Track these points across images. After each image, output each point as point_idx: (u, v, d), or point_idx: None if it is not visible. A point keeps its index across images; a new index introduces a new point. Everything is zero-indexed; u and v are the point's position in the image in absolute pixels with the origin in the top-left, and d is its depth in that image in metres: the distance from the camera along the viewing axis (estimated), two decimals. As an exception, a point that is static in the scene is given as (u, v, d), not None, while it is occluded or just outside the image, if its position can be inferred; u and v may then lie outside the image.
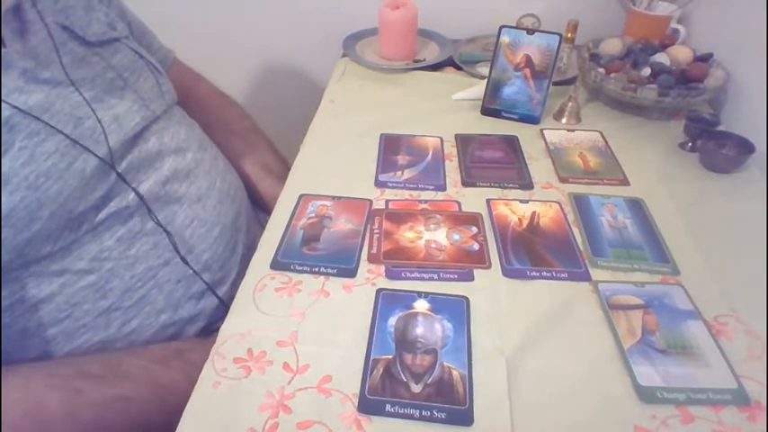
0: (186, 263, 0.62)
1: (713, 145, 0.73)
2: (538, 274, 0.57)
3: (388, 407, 0.45)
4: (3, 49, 0.52)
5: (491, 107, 0.86)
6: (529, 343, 0.51)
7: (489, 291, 0.56)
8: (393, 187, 0.70)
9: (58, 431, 0.49)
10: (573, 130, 0.82)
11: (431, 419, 0.44)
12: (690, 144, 0.78)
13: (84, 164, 0.54)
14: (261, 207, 0.83)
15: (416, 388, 0.46)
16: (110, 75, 0.62)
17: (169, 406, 0.51)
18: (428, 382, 0.47)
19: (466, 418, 0.45)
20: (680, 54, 0.85)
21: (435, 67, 0.99)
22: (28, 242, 0.51)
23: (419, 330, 0.51)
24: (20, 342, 0.55)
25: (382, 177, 0.72)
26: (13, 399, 0.48)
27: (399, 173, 0.73)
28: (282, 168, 0.85)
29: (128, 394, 0.53)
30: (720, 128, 0.77)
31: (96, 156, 0.55)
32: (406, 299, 0.55)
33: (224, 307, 0.64)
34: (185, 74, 0.86)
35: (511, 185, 0.71)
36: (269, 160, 0.86)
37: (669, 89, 0.79)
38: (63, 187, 0.52)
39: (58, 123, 0.53)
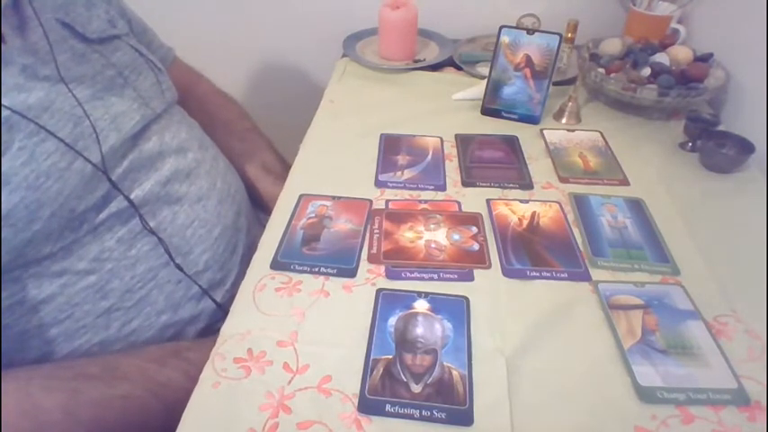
0: (180, 269, 0.62)
1: (713, 145, 0.73)
2: (538, 274, 0.57)
3: (388, 407, 0.45)
4: (3, 45, 0.52)
5: (491, 107, 0.86)
6: (529, 343, 0.51)
7: (489, 291, 0.56)
8: (393, 187, 0.70)
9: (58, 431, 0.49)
10: (573, 130, 0.82)
11: (431, 419, 0.44)
12: (690, 144, 0.78)
13: (85, 163, 0.54)
14: (261, 207, 0.83)
15: (416, 388, 0.46)
16: (110, 72, 0.62)
17: (168, 404, 0.51)
18: (428, 382, 0.47)
19: (466, 418, 0.45)
20: (680, 54, 0.85)
21: (435, 67, 0.99)
22: (28, 242, 0.51)
23: (419, 330, 0.51)
24: (20, 343, 0.55)
25: (382, 177, 0.72)
26: (12, 401, 0.48)
27: (399, 173, 0.73)
28: (282, 168, 0.85)
29: (126, 394, 0.53)
30: (720, 128, 0.77)
31: (90, 162, 0.55)
32: (406, 299, 0.55)
33: (227, 305, 0.64)
34: (185, 72, 0.86)
35: (511, 185, 0.71)
36: (269, 160, 0.86)
37: (669, 89, 0.79)
38: (63, 187, 0.52)
39: (59, 122, 0.53)
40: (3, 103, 0.50)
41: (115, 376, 0.54)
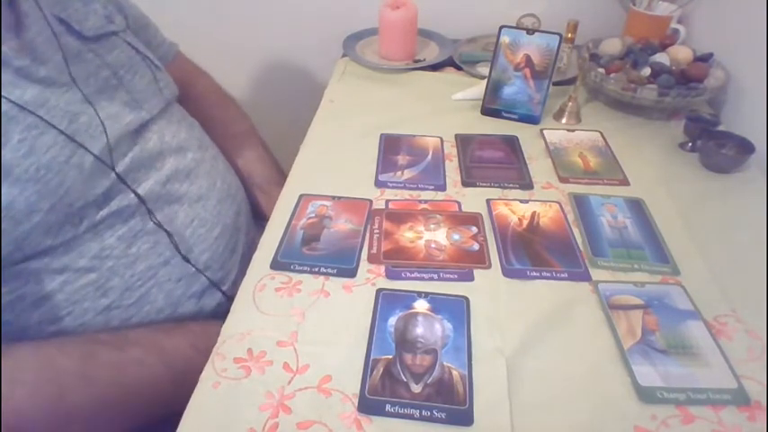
0: (188, 261, 0.62)
1: (713, 145, 0.73)
2: (538, 274, 0.57)
3: (388, 407, 0.45)
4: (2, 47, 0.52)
5: (491, 107, 0.86)
6: (529, 343, 0.51)
7: (489, 291, 0.56)
8: (393, 187, 0.70)
9: (77, 393, 0.49)
10: (573, 130, 0.82)
11: (431, 419, 0.44)
12: (690, 144, 0.78)
13: (82, 158, 0.54)
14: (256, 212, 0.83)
15: (416, 388, 0.46)
16: (104, 74, 0.61)
17: (176, 373, 0.52)
18: (428, 382, 0.47)
19: (466, 418, 0.45)
20: (680, 54, 0.85)
21: (435, 67, 0.99)
22: (27, 234, 0.51)
23: (419, 330, 0.51)
24: (20, 339, 0.55)
25: (382, 177, 0.72)
26: (30, 365, 0.48)
27: (399, 173, 0.73)
28: (272, 176, 0.84)
29: (138, 358, 0.54)
30: (720, 128, 0.77)
31: (93, 155, 0.55)
32: (406, 299, 0.55)
33: (227, 303, 0.64)
34: (186, 68, 0.85)
35: (511, 185, 0.71)
36: (256, 168, 0.84)
37: (669, 89, 0.79)
38: (63, 180, 0.52)
39: (54, 118, 0.53)
40: (1, 95, 0.50)
41: (126, 342, 0.55)
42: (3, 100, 0.50)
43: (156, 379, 0.54)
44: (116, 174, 0.57)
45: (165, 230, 0.61)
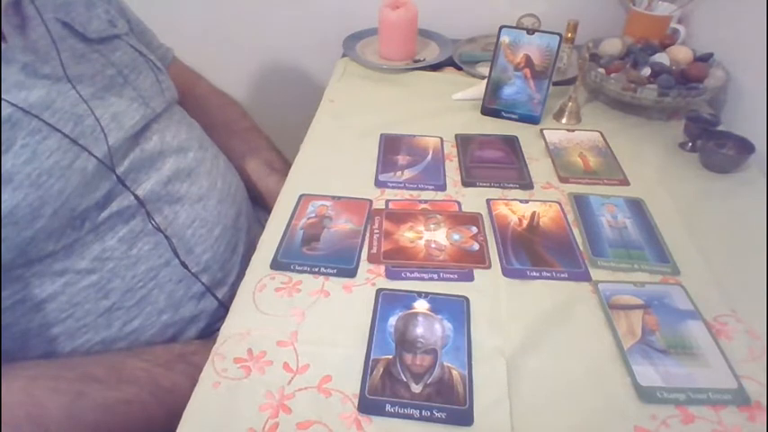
0: (185, 266, 0.62)
1: (713, 145, 0.73)
2: (538, 274, 0.57)
3: (388, 407, 0.45)
4: (3, 44, 0.52)
5: (491, 107, 0.86)
6: (529, 343, 0.51)
7: (489, 291, 0.56)
8: (393, 187, 0.70)
9: None
10: (573, 130, 0.82)
11: (431, 419, 0.44)
12: (690, 144, 0.78)
13: (87, 162, 0.54)
14: (263, 206, 0.83)
15: (416, 388, 0.47)
16: (110, 72, 0.62)
17: (172, 409, 0.51)
18: (428, 382, 0.47)
19: (466, 418, 0.45)
20: (680, 54, 0.85)
21: (435, 67, 0.99)
22: (30, 240, 0.51)
23: (419, 330, 0.51)
24: (22, 342, 0.55)
25: (382, 177, 0.72)
26: (16, 401, 0.48)
27: (399, 173, 0.73)
28: (285, 166, 0.85)
29: (130, 398, 0.53)
30: (720, 128, 0.77)
31: (96, 157, 0.55)
32: (406, 299, 0.55)
33: (228, 304, 0.64)
34: (184, 73, 0.86)
35: (511, 185, 0.71)
36: (272, 158, 0.85)
37: (669, 89, 0.79)
38: (65, 185, 0.52)
39: (59, 121, 0.53)
40: (6, 99, 0.50)
41: (121, 379, 0.54)
42: (7, 104, 0.50)
43: (149, 418, 0.53)
44: (117, 177, 0.57)
45: (164, 234, 0.61)
